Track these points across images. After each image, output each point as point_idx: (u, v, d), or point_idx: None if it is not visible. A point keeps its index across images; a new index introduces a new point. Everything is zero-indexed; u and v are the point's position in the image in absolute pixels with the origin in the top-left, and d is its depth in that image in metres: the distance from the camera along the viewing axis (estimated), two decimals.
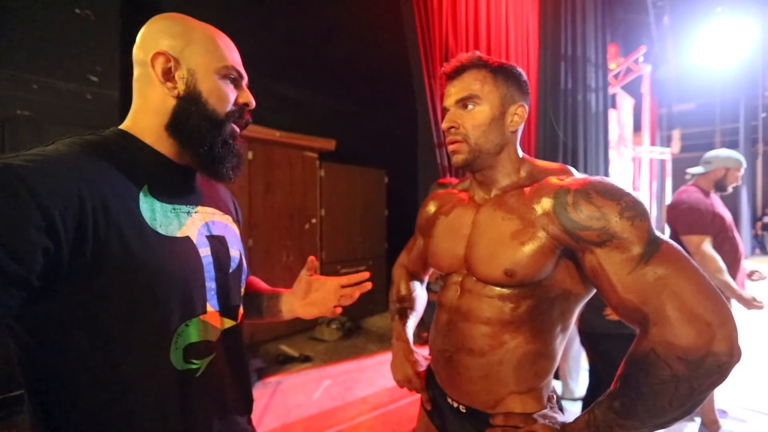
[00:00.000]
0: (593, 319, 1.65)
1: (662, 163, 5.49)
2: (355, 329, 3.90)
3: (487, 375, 0.74)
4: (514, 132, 0.79)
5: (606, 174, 3.71)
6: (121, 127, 0.63)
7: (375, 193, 4.52)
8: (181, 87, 0.60)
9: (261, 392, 2.59)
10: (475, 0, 3.17)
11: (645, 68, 4.49)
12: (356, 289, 0.81)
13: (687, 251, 1.91)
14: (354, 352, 3.40)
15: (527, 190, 0.75)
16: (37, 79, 2.46)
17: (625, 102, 4.64)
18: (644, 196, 4.97)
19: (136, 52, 0.62)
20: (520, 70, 0.80)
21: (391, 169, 4.74)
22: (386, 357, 3.27)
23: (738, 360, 0.55)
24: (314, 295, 0.82)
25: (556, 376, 2.50)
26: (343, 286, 0.81)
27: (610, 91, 4.56)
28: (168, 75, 0.60)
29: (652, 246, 0.60)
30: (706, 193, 2.03)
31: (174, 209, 0.61)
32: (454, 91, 0.77)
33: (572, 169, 0.78)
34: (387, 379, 2.83)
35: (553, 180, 0.72)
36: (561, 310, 0.73)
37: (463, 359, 0.76)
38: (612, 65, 4.41)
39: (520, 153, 0.82)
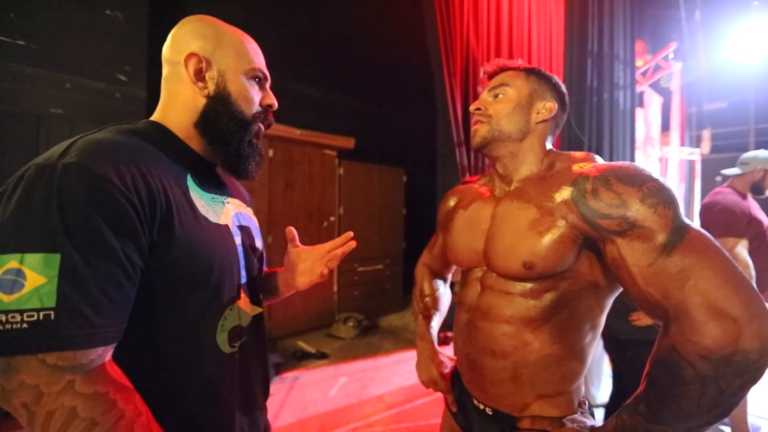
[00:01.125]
0: (618, 324, 1.60)
1: (691, 164, 5.29)
2: (372, 327, 3.91)
3: (511, 377, 0.72)
4: (541, 123, 0.78)
5: None
6: (152, 119, 0.64)
7: (393, 192, 4.51)
8: (211, 87, 0.62)
9: (278, 387, 2.63)
10: (497, 1, 3.12)
11: (675, 65, 4.32)
12: (341, 249, 0.80)
13: None
14: (370, 350, 3.40)
15: (548, 179, 0.73)
16: (69, 79, 2.56)
17: (653, 100, 4.49)
18: None
19: (167, 51, 0.64)
20: (559, 80, 0.82)
21: (410, 167, 4.72)
22: (402, 356, 3.27)
23: None
24: (303, 264, 0.82)
25: None
26: (329, 251, 0.81)
27: (638, 88, 4.41)
28: (199, 75, 0.62)
29: (677, 235, 0.56)
30: (743, 196, 1.94)
31: (213, 198, 0.64)
32: (489, 84, 0.81)
33: (597, 156, 0.74)
34: (403, 378, 2.82)
35: (574, 167, 0.69)
36: (588, 305, 0.70)
37: (486, 361, 0.74)
38: (639, 62, 4.27)
39: (548, 146, 0.80)
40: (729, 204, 1.88)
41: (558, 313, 0.69)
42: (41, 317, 0.41)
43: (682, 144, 5.14)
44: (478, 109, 0.79)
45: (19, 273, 0.41)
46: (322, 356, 3.17)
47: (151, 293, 0.51)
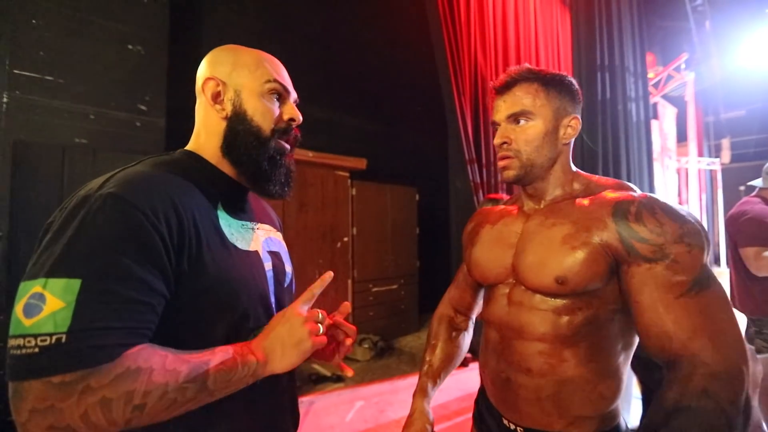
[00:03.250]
0: None
1: (712, 174, 5.15)
2: (388, 349, 3.83)
3: (548, 396, 0.69)
4: (567, 144, 0.76)
5: (651, 186, 3.52)
6: (187, 148, 0.66)
7: (406, 211, 4.51)
8: (228, 108, 0.63)
9: None
10: (503, 16, 3.18)
11: (687, 75, 4.28)
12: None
13: (746, 263, 1.77)
14: (387, 372, 3.33)
15: (584, 200, 0.72)
16: (93, 110, 2.68)
17: (667, 111, 4.43)
18: (694, 209, 4.65)
19: (197, 83, 0.66)
20: (571, 79, 0.78)
21: (422, 186, 4.73)
22: (412, 381, 3.18)
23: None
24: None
25: None
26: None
27: (651, 100, 4.37)
28: (217, 98, 0.63)
29: (704, 282, 0.59)
30: None
31: (243, 225, 0.65)
32: (504, 106, 0.75)
33: (632, 185, 0.74)
34: None
35: (612, 193, 0.70)
36: (620, 325, 0.68)
37: (521, 379, 0.72)
38: (650, 74, 4.24)
39: (573, 167, 0.79)
40: (757, 213, 1.82)
41: (592, 332, 0.67)
42: (53, 341, 0.41)
43: (701, 154, 5.03)
44: (505, 143, 0.75)
45: (41, 297, 0.42)
46: (338, 379, 3.11)
47: (179, 320, 0.52)
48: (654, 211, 0.63)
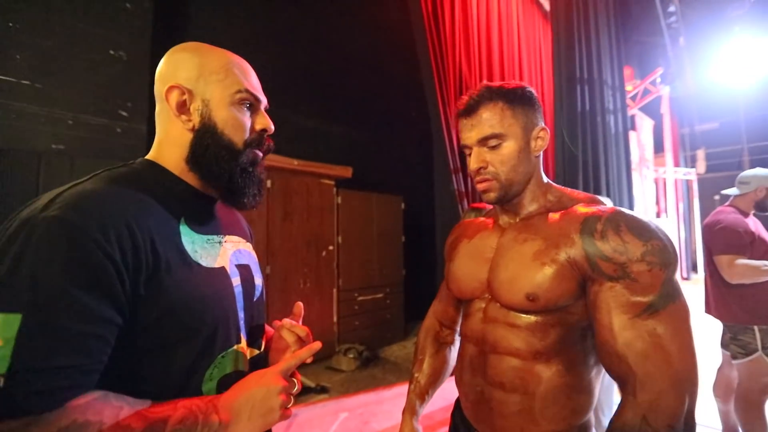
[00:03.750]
0: None
1: (688, 183, 5.33)
2: (373, 358, 3.80)
3: (520, 411, 0.70)
4: (538, 156, 0.77)
5: (630, 196, 3.61)
6: (148, 157, 0.62)
7: (392, 220, 4.51)
8: (196, 119, 0.59)
9: (276, 426, 2.52)
10: (487, 27, 3.25)
11: (663, 89, 4.44)
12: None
13: (720, 271, 1.82)
14: (372, 382, 3.29)
15: (555, 215, 0.73)
16: (72, 116, 2.61)
17: (645, 123, 4.57)
18: (672, 217, 4.79)
19: (156, 86, 0.61)
20: (531, 89, 0.77)
21: (408, 195, 4.74)
22: (405, 389, 3.14)
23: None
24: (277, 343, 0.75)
25: None
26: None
27: (629, 112, 4.51)
28: (183, 108, 0.59)
29: (661, 301, 0.59)
30: (745, 214, 1.94)
31: (209, 240, 0.61)
32: (475, 131, 0.74)
33: (603, 198, 0.76)
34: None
35: (583, 208, 0.70)
36: (593, 341, 0.69)
37: (495, 394, 0.72)
38: (628, 87, 4.38)
39: (545, 178, 0.80)
40: (731, 222, 1.87)
41: (565, 348, 0.68)
42: None
43: (677, 164, 5.20)
44: (481, 167, 0.75)
45: None
46: (321, 390, 3.06)
47: (138, 346, 0.49)
48: (619, 228, 0.63)
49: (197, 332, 0.54)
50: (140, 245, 0.48)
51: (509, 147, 0.73)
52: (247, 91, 0.61)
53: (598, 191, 2.82)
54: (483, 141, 0.73)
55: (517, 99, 0.74)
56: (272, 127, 0.65)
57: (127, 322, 0.48)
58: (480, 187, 0.76)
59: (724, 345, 1.95)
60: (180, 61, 0.60)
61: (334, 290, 3.84)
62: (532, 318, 0.69)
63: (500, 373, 0.72)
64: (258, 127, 0.64)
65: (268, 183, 3.38)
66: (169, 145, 0.61)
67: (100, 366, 0.45)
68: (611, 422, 0.61)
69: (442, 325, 1.00)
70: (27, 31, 2.47)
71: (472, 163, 0.75)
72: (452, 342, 1.00)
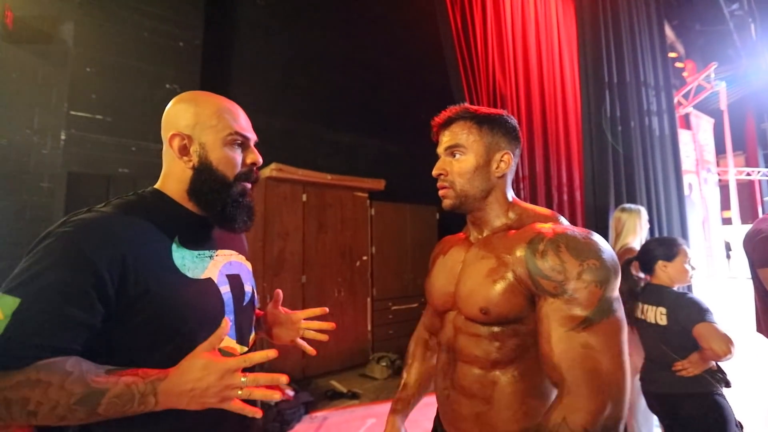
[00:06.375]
0: (658, 377, 1.47)
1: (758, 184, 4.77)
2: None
3: (478, 414, 0.76)
4: (501, 177, 0.82)
5: (680, 201, 3.32)
6: (156, 186, 0.75)
7: (425, 230, 4.55)
8: (195, 159, 0.71)
9: (307, 426, 2.66)
10: (523, 32, 3.07)
11: (718, 85, 4.06)
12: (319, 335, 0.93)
13: (765, 285, 1.64)
14: None
15: (512, 232, 0.78)
16: (135, 143, 3.02)
17: (702, 122, 4.19)
18: (735, 221, 4.29)
19: (162, 131, 0.73)
20: (508, 118, 0.83)
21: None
22: (432, 399, 3.14)
23: None
24: (277, 329, 0.92)
25: None
26: (303, 320, 0.90)
27: (682, 111, 4.17)
28: (184, 151, 0.71)
29: (597, 316, 0.63)
30: None
31: (199, 255, 0.71)
32: (444, 140, 0.83)
33: (561, 217, 0.80)
34: (431, 421, 2.71)
35: (537, 226, 0.75)
36: None
37: (458, 398, 0.79)
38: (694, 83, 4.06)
39: (510, 196, 0.84)
40: None
41: (520, 357, 0.74)
42: None
43: (756, 164, 4.68)
44: (441, 174, 0.82)
45: None
46: (353, 396, 3.17)
47: (130, 344, 0.61)
48: (559, 249, 0.68)
49: (179, 332, 0.64)
50: (129, 264, 0.60)
51: (468, 161, 0.80)
52: (237, 132, 0.73)
53: (632, 197, 2.65)
54: (448, 150, 0.81)
55: (487, 121, 0.81)
56: (260, 160, 0.77)
57: (117, 323, 0.60)
58: (439, 193, 0.84)
59: None
60: (179, 111, 0.72)
61: (368, 299, 3.95)
62: (492, 329, 0.75)
63: (463, 378, 0.78)
64: (248, 161, 0.75)
65: (304, 197, 3.59)
66: (173, 180, 0.73)
67: (76, 346, 0.57)
68: (539, 421, 0.66)
69: (430, 334, 1.07)
70: (100, 74, 2.91)
71: (435, 169, 0.83)
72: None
